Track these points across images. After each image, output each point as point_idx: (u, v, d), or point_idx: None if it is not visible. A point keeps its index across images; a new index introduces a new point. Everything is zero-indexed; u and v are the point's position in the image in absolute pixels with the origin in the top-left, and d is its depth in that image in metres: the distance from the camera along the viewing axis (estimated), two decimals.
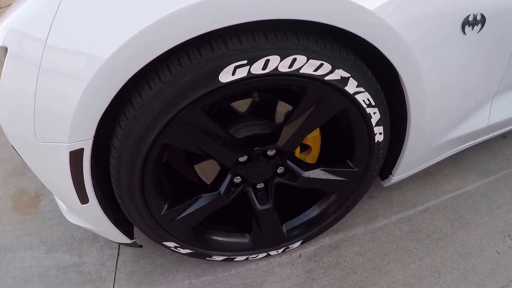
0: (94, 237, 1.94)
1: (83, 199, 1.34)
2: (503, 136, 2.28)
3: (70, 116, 1.12)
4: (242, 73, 1.17)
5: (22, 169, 2.54)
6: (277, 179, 1.53)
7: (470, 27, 1.44)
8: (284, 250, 1.73)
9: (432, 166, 1.88)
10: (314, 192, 1.68)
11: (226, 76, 1.16)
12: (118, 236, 1.52)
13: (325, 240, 1.80)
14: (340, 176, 1.56)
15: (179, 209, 1.44)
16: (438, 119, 1.61)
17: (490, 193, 1.97)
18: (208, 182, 1.64)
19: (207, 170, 1.62)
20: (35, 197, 2.28)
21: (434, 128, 1.64)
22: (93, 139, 1.19)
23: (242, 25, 1.11)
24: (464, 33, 1.43)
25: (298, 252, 1.77)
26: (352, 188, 1.63)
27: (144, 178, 1.31)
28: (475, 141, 1.88)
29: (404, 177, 1.79)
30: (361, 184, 1.63)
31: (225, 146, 1.33)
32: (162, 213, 1.42)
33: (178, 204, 1.44)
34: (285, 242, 1.69)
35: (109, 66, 1.05)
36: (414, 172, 1.81)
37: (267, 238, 1.65)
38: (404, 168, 1.72)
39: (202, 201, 1.45)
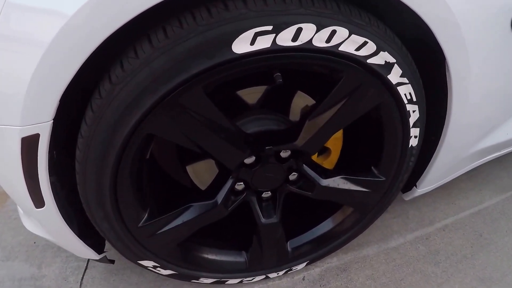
0: (60, 246, 1.52)
1: (38, 201, 0.96)
2: None
3: (23, 92, 0.77)
4: (264, 42, 0.80)
5: None
6: (288, 188, 1.15)
7: None
8: (286, 272, 1.35)
9: None
10: (327, 204, 1.31)
11: (242, 45, 0.79)
12: (83, 250, 1.13)
13: (332, 261, 1.44)
14: (363, 187, 1.20)
15: (162, 221, 1.05)
16: (476, 125, 1.28)
17: (507, 210, 1.69)
18: (203, 187, 1.24)
19: (201, 173, 1.22)
20: (3, 193, 1.83)
21: (470, 135, 1.30)
22: (53, 123, 0.83)
23: None
24: None
25: (302, 275, 1.40)
26: (374, 201, 1.27)
27: (118, 178, 0.93)
28: (499, 153, 1.56)
29: (428, 190, 1.44)
30: (385, 196, 1.27)
31: (229, 142, 0.94)
32: (140, 224, 1.03)
33: (162, 214, 1.05)
34: (288, 263, 1.31)
35: (74, 25, 0.71)
36: (438, 185, 1.47)
37: (268, 257, 1.27)
38: (431, 179, 1.37)
39: (192, 212, 1.06)
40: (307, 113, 0.99)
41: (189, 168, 1.20)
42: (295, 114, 1.22)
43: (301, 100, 1.22)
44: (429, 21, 0.91)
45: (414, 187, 1.41)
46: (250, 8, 0.77)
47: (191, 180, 1.24)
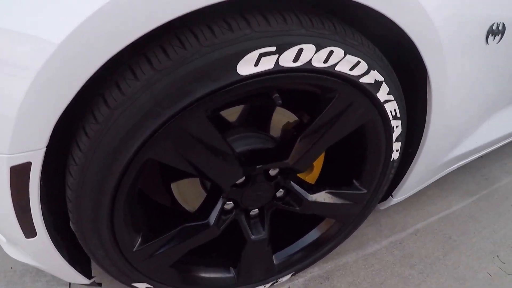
0: (39, 270, 1.40)
1: (29, 231, 0.87)
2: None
3: (12, 118, 0.69)
4: (268, 63, 0.78)
5: None
6: (276, 204, 1.13)
7: (492, 36, 1.16)
8: (272, 285, 1.33)
9: None
10: (310, 216, 1.30)
11: (247, 66, 0.76)
12: (73, 276, 1.04)
13: (315, 270, 1.43)
14: (346, 199, 1.20)
15: (156, 244, 0.99)
16: (452, 135, 1.32)
17: (474, 213, 1.76)
18: (186, 205, 1.19)
19: (186, 191, 1.17)
20: None
21: (445, 145, 1.34)
22: (46, 150, 0.75)
23: None
24: (487, 42, 1.15)
25: (287, 286, 1.38)
26: (356, 212, 1.27)
27: (115, 206, 0.86)
28: (466, 160, 1.62)
29: (402, 199, 1.47)
30: (366, 207, 1.28)
31: (227, 164, 0.91)
32: (135, 249, 0.97)
33: (155, 237, 0.99)
34: (275, 275, 1.29)
35: (67, 49, 0.65)
36: (411, 194, 1.50)
37: (255, 272, 1.24)
38: (406, 189, 1.40)
39: (186, 233, 1.01)
40: (298, 132, 0.97)
41: (173, 187, 1.15)
42: (275, 130, 1.20)
43: (280, 116, 1.20)
44: (413, 36, 0.92)
45: (390, 196, 1.43)
46: (253, 28, 0.74)
47: (172, 199, 1.18)
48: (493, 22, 1.14)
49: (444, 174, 1.58)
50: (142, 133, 0.77)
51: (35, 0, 0.64)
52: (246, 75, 0.76)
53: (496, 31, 1.16)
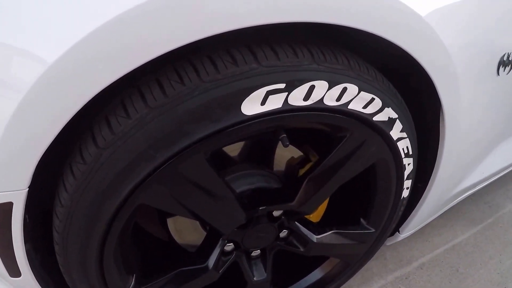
0: None
1: (13, 271, 0.77)
2: None
3: None
4: (276, 102, 0.67)
5: None
6: (279, 245, 1.02)
7: (503, 67, 1.07)
8: None
9: None
10: (313, 256, 1.18)
11: (252, 105, 0.65)
12: None
13: None
14: (353, 239, 1.08)
15: None
16: (462, 168, 1.22)
17: (480, 243, 1.65)
18: (184, 243, 1.07)
19: (183, 227, 1.05)
20: None
21: (455, 178, 1.24)
22: (28, 190, 0.66)
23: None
24: (498, 73, 1.06)
25: None
26: (363, 251, 1.16)
27: (105, 250, 0.75)
28: (472, 191, 1.52)
29: (409, 235, 1.36)
30: (373, 246, 1.16)
31: (228, 209, 0.80)
32: None
33: (150, 280, 0.87)
34: None
35: (56, 76, 0.54)
36: (419, 228, 1.39)
37: None
38: (414, 224, 1.29)
39: (183, 278, 0.89)
40: (306, 172, 0.86)
41: (169, 222, 1.03)
42: (278, 165, 1.09)
43: (284, 150, 1.08)
44: (428, 67, 0.82)
45: (397, 232, 1.32)
46: (261, 62, 0.64)
47: (169, 235, 1.07)
48: (504, 53, 1.05)
49: (450, 207, 1.47)
50: (134, 177, 0.66)
51: None
52: (252, 115, 0.65)
53: (506, 62, 1.07)
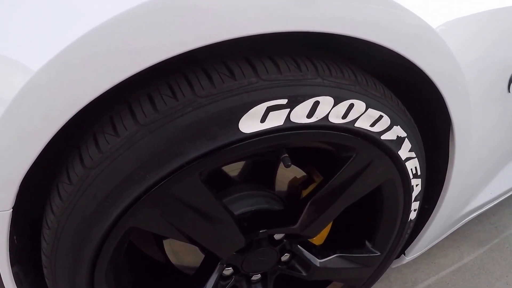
0: None
1: None
2: None
3: None
4: (277, 119, 0.59)
5: None
6: (280, 269, 0.92)
7: None
8: None
9: None
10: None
11: (251, 122, 0.57)
12: None
13: None
14: (357, 263, 0.99)
15: None
16: (470, 189, 1.13)
17: (486, 264, 1.54)
18: (178, 263, 0.97)
19: (179, 249, 0.96)
20: None
21: (463, 199, 1.14)
22: (12, 212, 0.59)
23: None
24: (509, 91, 0.97)
25: None
26: (368, 275, 1.06)
27: (95, 274, 0.67)
28: (480, 212, 1.42)
29: (415, 257, 1.26)
30: (378, 270, 1.06)
31: (226, 233, 0.71)
32: None
33: None
34: None
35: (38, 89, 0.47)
36: (425, 251, 1.29)
37: None
38: (420, 246, 1.19)
39: None
40: (309, 194, 0.78)
41: (165, 243, 0.94)
42: (280, 185, 1.00)
43: (286, 170, 0.98)
44: (439, 83, 0.74)
45: (403, 255, 1.22)
46: (260, 76, 0.56)
47: (165, 256, 0.97)
48: None
49: (456, 228, 1.37)
50: (123, 199, 0.58)
51: None
52: (250, 133, 0.57)
53: None
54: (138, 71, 0.49)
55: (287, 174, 0.98)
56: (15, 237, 0.65)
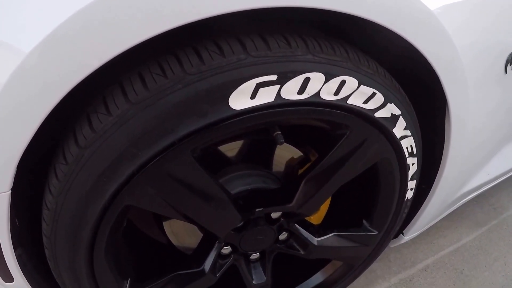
0: None
1: (6, 276, 0.70)
2: None
3: None
4: (267, 96, 0.57)
5: None
6: (278, 248, 0.92)
7: (511, 66, 0.95)
8: None
9: None
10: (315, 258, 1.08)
11: (241, 99, 0.56)
12: None
13: None
14: (356, 242, 0.98)
15: None
16: (468, 169, 1.11)
17: (485, 245, 1.52)
18: (180, 244, 0.97)
19: (179, 229, 0.95)
20: None
21: (460, 180, 1.12)
22: (11, 193, 0.58)
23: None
24: (506, 72, 0.94)
25: None
26: (366, 254, 1.05)
27: (94, 253, 0.67)
28: (478, 192, 1.39)
29: (413, 237, 1.24)
30: (376, 249, 1.05)
31: (221, 211, 0.70)
32: None
33: (145, 285, 0.78)
34: None
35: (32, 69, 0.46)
36: (423, 231, 1.28)
37: None
38: (418, 227, 1.18)
39: (179, 282, 0.80)
40: (304, 172, 0.77)
41: (166, 225, 0.94)
42: (278, 165, 0.99)
43: (284, 150, 0.97)
44: (434, 62, 0.72)
45: (401, 234, 1.20)
46: (249, 52, 0.55)
47: (167, 237, 0.97)
48: None
49: (454, 208, 1.35)
50: (117, 177, 0.57)
51: None
52: (241, 110, 0.56)
53: None
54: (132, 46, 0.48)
55: (286, 155, 0.96)
56: (16, 220, 0.65)
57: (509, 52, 0.94)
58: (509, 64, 0.95)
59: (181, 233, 0.95)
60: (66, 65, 0.48)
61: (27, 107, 0.50)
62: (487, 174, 1.29)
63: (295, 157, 0.94)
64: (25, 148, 0.54)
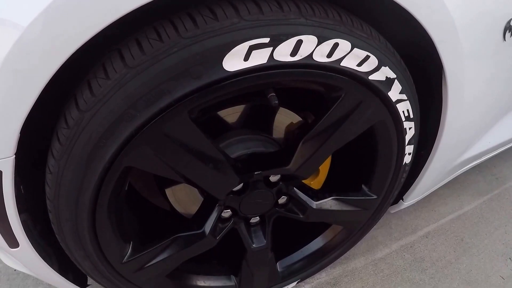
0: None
1: (11, 241, 0.73)
2: None
3: None
4: (260, 58, 0.60)
5: None
6: (278, 211, 0.95)
7: (510, 33, 0.95)
8: None
9: None
10: (315, 222, 1.12)
11: (234, 61, 0.58)
12: (65, 286, 0.89)
13: (322, 276, 1.25)
14: (355, 206, 1.01)
15: (147, 255, 0.83)
16: (467, 136, 1.12)
17: (486, 214, 1.55)
18: (183, 211, 1.02)
19: (182, 196, 1.00)
20: None
21: (459, 146, 1.14)
22: (15, 158, 0.61)
23: None
24: (504, 39, 0.94)
25: None
26: (365, 219, 1.08)
27: (96, 216, 0.71)
28: (479, 161, 1.41)
29: (413, 203, 1.27)
30: (376, 213, 1.09)
31: (219, 172, 0.73)
32: (125, 260, 0.80)
33: (147, 247, 0.82)
34: (279, 283, 1.11)
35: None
36: (423, 197, 1.30)
37: (258, 280, 1.06)
38: (418, 192, 1.20)
39: (180, 244, 0.84)
40: (300, 134, 0.79)
41: (168, 192, 0.98)
42: (278, 131, 1.02)
43: (284, 116, 1.00)
44: (430, 29, 0.74)
45: (401, 200, 1.23)
46: (243, 16, 0.57)
47: (170, 204, 1.01)
48: (511, 18, 0.93)
49: (455, 176, 1.37)
50: (116, 139, 0.60)
51: None
52: (234, 72, 0.58)
53: None
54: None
55: (287, 121, 0.99)
56: (21, 187, 0.68)
57: (508, 19, 0.93)
58: (507, 31, 0.95)
59: (184, 200, 0.99)
60: (71, 28, 0.50)
61: (29, 73, 0.53)
62: (487, 142, 1.31)
63: (294, 122, 0.97)
64: (28, 112, 0.56)
